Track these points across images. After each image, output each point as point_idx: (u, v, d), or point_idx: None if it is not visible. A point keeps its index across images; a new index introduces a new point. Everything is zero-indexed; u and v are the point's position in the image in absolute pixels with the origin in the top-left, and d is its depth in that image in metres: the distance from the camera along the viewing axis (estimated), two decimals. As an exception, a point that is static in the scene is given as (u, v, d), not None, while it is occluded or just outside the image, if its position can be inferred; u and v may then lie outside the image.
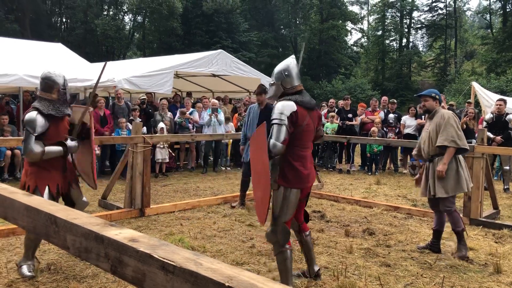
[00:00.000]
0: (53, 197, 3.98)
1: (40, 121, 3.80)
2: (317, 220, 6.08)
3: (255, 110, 6.67)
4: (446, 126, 4.62)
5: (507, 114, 9.16)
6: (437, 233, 4.85)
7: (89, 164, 4.29)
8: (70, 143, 4.01)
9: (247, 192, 6.82)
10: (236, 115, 11.43)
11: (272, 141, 3.44)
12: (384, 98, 12.19)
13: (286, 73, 3.73)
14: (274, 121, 3.50)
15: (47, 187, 3.94)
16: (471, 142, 8.38)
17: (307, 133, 3.65)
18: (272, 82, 3.81)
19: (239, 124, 11.00)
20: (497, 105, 9.12)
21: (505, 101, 9.19)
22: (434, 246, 4.81)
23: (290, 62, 3.88)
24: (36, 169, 3.90)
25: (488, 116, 9.35)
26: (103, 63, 4.73)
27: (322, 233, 5.42)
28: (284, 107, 3.51)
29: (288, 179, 3.56)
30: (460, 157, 4.76)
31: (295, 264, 4.23)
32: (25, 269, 3.86)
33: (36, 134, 3.76)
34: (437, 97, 4.90)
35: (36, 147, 3.74)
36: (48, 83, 3.96)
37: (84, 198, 4.29)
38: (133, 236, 1.25)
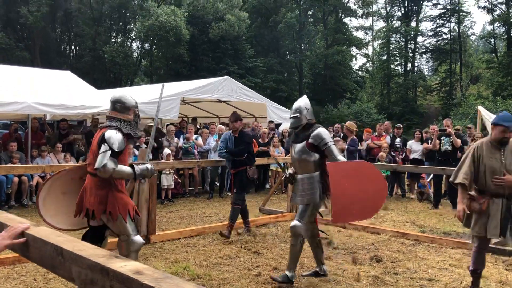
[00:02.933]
0: (134, 221, 4.01)
1: (121, 140, 3.81)
2: (324, 246, 6.01)
3: (230, 138, 6.74)
4: None
5: None
6: (477, 274, 4.36)
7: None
8: (141, 166, 4.03)
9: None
10: None
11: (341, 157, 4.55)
12: (387, 123, 12.21)
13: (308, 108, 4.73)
14: (330, 143, 4.52)
15: (128, 212, 3.93)
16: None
17: None
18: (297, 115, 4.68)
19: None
20: None
21: None
22: None
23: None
24: (117, 194, 3.87)
25: None
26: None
27: (329, 260, 5.36)
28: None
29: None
30: None
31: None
32: None
33: (117, 151, 3.75)
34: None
35: (110, 163, 3.69)
36: (124, 104, 4.00)
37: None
38: (138, 268, 1.26)
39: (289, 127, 4.85)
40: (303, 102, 4.74)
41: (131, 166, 4.00)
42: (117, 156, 3.76)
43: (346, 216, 4.44)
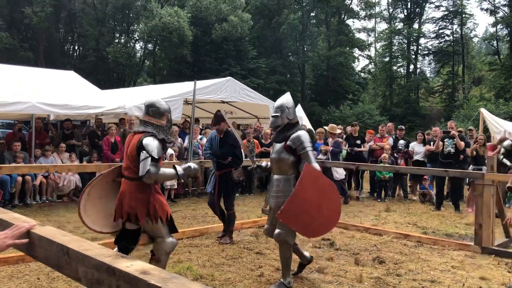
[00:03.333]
0: (169, 222, 4.08)
1: (159, 146, 3.85)
2: (326, 248, 6.03)
3: (215, 139, 6.49)
4: None
5: None
6: None
7: None
8: (183, 166, 4.10)
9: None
10: (245, 141, 11.48)
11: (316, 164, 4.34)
12: (389, 124, 12.20)
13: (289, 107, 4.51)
14: (309, 148, 4.32)
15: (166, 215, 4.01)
16: (481, 169, 8.33)
17: None
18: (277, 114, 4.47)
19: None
20: None
21: None
22: None
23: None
24: (157, 196, 3.95)
25: (506, 142, 9.27)
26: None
27: (332, 261, 5.36)
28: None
29: None
30: None
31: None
32: None
33: (157, 157, 3.79)
34: None
35: (153, 169, 3.75)
36: (158, 110, 4.00)
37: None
38: (144, 268, 1.26)
39: (269, 126, 4.80)
40: (285, 99, 4.55)
41: (174, 167, 4.05)
42: (157, 161, 3.82)
43: (291, 219, 4.08)
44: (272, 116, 4.53)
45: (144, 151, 3.75)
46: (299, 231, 4.23)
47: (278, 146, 4.51)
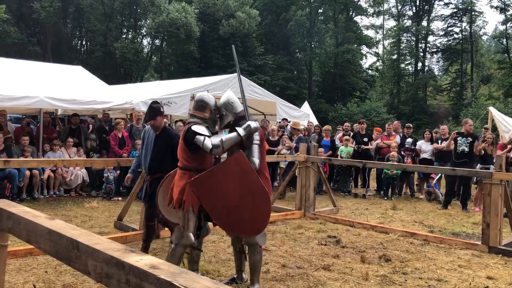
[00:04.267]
0: (199, 218, 4.13)
1: (204, 128, 4.00)
2: (332, 245, 6.02)
3: (150, 136, 5.32)
4: None
5: None
6: None
7: None
8: (243, 126, 4.07)
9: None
10: None
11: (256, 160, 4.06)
12: (396, 122, 12.14)
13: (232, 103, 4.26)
14: (256, 141, 4.10)
15: (197, 208, 4.03)
16: (489, 168, 8.27)
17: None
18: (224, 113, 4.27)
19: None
20: None
21: None
22: None
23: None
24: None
25: None
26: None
27: (338, 259, 5.36)
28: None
29: None
30: None
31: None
32: None
33: (207, 134, 3.96)
34: None
35: (214, 140, 3.91)
36: (201, 103, 4.20)
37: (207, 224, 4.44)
38: (153, 263, 1.27)
39: (219, 128, 4.39)
40: (225, 97, 4.31)
41: (235, 129, 4.07)
42: (210, 137, 3.97)
43: (200, 191, 3.84)
44: (219, 117, 4.27)
45: (197, 136, 3.92)
46: (208, 209, 3.92)
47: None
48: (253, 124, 4.11)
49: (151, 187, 5.12)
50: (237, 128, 4.02)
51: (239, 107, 4.26)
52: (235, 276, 4.46)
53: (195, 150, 3.99)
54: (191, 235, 4.02)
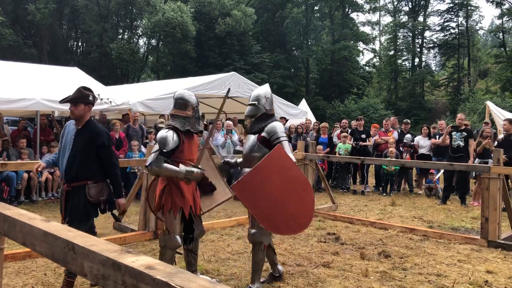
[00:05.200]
0: (185, 220, 4.09)
1: (169, 139, 3.91)
2: (331, 242, 6.02)
3: (71, 131, 4.03)
4: None
5: None
6: None
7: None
8: (187, 168, 3.98)
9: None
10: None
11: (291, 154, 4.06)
12: (392, 118, 12.16)
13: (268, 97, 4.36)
14: (283, 138, 4.12)
15: (180, 210, 4.02)
16: (487, 163, 8.28)
17: None
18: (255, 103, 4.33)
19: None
20: (503, 125, 9.14)
21: (510, 120, 9.06)
22: None
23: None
24: (173, 189, 4.00)
25: (500, 136, 9.25)
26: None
27: (337, 256, 5.36)
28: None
29: None
30: None
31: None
32: None
33: (165, 150, 3.88)
34: None
35: (156, 163, 3.85)
36: (182, 102, 4.12)
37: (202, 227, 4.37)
38: (150, 263, 1.26)
39: (245, 115, 4.45)
40: (263, 90, 4.41)
41: (179, 166, 4.00)
42: (166, 155, 3.89)
43: (245, 194, 3.75)
44: (249, 105, 4.36)
45: (156, 144, 3.92)
46: (253, 212, 3.82)
47: (251, 138, 4.30)
48: (197, 171, 4.00)
49: (69, 200, 3.89)
50: (181, 166, 3.92)
51: (270, 105, 4.37)
52: (271, 271, 4.52)
53: (169, 154, 3.92)
54: (177, 237, 4.01)
